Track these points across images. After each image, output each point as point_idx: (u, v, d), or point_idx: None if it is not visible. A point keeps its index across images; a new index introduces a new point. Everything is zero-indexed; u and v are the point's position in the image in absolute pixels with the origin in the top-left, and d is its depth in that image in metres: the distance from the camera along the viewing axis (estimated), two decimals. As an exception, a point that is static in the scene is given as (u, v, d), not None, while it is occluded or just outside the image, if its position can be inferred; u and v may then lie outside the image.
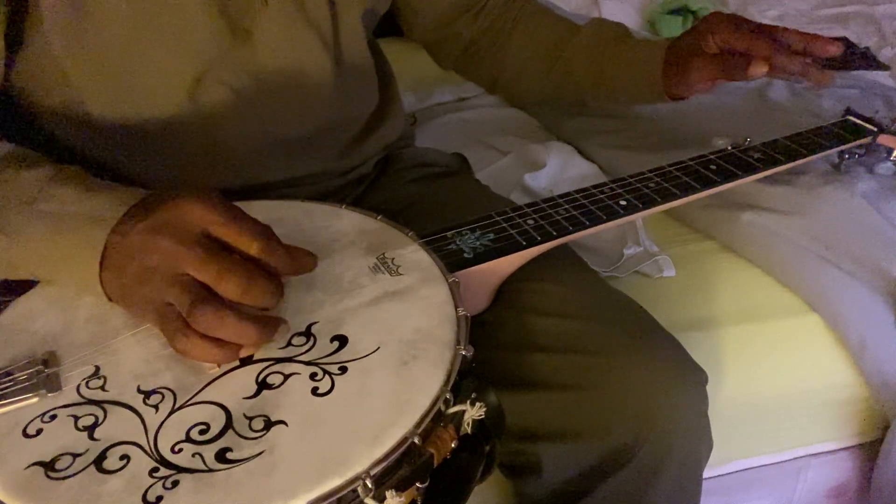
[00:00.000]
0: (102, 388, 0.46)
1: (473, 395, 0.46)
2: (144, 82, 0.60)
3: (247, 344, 0.46)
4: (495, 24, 0.83)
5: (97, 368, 0.47)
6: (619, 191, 0.67)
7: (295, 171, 0.69)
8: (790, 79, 0.73)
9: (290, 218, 0.59)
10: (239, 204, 0.48)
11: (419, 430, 0.42)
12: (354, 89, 0.73)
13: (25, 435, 0.43)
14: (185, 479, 0.40)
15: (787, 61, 0.67)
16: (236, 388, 0.45)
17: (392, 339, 0.48)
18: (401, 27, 0.85)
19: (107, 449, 0.42)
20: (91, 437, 0.42)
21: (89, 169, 0.53)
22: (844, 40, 1.49)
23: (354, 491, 0.39)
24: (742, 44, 0.69)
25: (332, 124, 0.71)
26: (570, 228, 0.62)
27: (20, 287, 0.53)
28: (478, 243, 0.61)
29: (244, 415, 0.43)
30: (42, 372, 0.46)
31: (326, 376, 0.46)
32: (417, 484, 0.42)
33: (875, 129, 0.86)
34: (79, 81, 0.58)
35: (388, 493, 0.40)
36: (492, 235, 0.61)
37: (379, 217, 0.60)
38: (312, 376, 0.46)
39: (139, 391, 0.45)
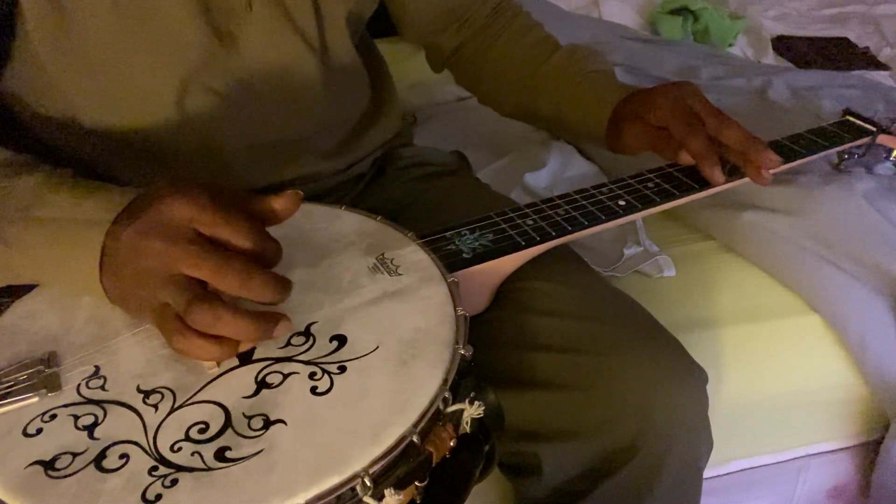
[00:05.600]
0: (102, 387, 0.46)
1: (472, 395, 0.46)
2: (131, 88, 0.60)
3: (245, 340, 0.45)
4: (476, 36, 0.83)
5: (97, 368, 0.47)
6: (619, 191, 0.67)
7: (285, 174, 0.69)
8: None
9: (289, 219, 0.59)
10: None
11: (418, 429, 0.42)
12: (343, 91, 0.72)
13: (25, 434, 0.43)
14: (184, 477, 0.40)
15: (710, 172, 0.67)
16: (235, 387, 0.45)
17: (391, 338, 0.48)
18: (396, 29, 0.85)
19: (106, 448, 0.42)
20: (91, 437, 0.43)
21: (82, 173, 0.53)
22: (844, 40, 1.49)
23: (353, 489, 0.40)
24: (676, 132, 0.67)
25: (322, 126, 0.71)
26: (569, 229, 0.62)
27: (21, 288, 0.53)
28: (477, 244, 0.61)
29: (243, 414, 0.44)
30: (42, 372, 0.46)
31: (325, 375, 0.46)
32: (416, 482, 0.42)
33: (875, 129, 0.86)
34: (66, 88, 0.58)
35: (387, 492, 0.40)
36: (491, 236, 0.62)
37: (378, 218, 0.60)
38: (311, 375, 0.46)
39: (139, 391, 0.45)
